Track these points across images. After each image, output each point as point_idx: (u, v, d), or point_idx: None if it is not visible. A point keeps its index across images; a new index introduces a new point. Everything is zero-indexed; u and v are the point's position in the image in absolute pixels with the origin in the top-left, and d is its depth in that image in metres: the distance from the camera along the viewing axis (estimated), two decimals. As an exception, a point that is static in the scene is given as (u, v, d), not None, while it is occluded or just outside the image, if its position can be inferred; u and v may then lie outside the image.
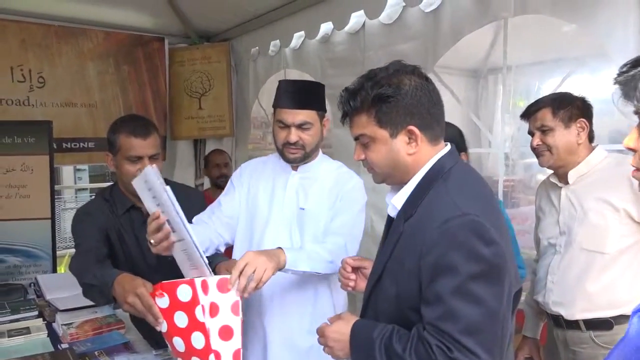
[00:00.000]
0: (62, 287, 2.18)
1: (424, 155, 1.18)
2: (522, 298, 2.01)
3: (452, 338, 1.03)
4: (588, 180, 1.80)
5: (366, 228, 2.94)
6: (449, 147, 1.22)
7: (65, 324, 1.83)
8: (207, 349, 1.30)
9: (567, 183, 1.84)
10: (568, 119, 1.79)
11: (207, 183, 4.27)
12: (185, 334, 1.32)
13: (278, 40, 3.61)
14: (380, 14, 2.70)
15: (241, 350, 1.34)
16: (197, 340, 1.31)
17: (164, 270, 1.48)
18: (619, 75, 0.83)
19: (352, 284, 1.45)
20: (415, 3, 2.53)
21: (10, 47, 3.42)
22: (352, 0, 2.81)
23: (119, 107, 3.92)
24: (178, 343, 1.34)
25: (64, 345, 1.73)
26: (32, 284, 2.43)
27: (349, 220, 1.78)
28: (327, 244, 1.69)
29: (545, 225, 1.94)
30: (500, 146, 2.65)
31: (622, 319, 1.73)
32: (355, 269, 1.45)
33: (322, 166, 1.87)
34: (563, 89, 2.05)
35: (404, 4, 2.67)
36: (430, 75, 1.28)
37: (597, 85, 2.79)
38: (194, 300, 1.30)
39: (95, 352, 1.66)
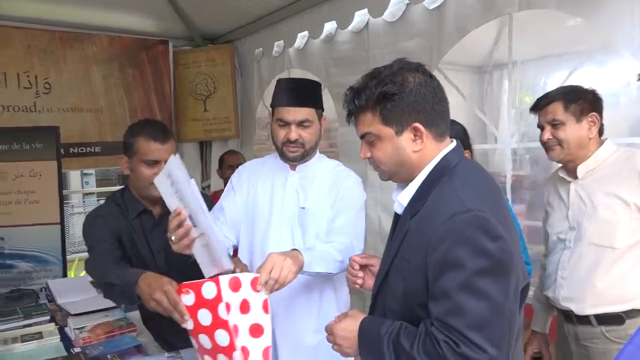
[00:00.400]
0: (73, 292, 2.20)
1: (429, 152, 1.18)
2: (530, 293, 2.01)
3: (460, 333, 1.03)
4: (597, 175, 1.79)
5: (373, 225, 2.97)
6: (454, 143, 1.22)
7: (77, 328, 1.85)
8: (232, 345, 1.30)
9: (576, 177, 1.83)
10: (580, 113, 1.77)
11: (214, 185, 4.30)
12: (210, 331, 1.32)
13: (282, 41, 3.62)
14: (384, 12, 2.70)
15: (270, 348, 1.35)
16: (221, 337, 1.30)
17: (174, 273, 1.48)
18: None
19: (360, 281, 1.45)
20: (419, 0, 2.52)
21: (16, 53, 3.46)
22: (355, -1, 2.82)
23: (124, 111, 3.95)
24: (204, 340, 1.34)
25: (77, 349, 1.74)
26: (43, 289, 2.45)
27: (352, 218, 1.79)
28: (334, 243, 1.69)
29: (554, 220, 1.93)
30: (507, 142, 2.64)
31: (633, 313, 1.72)
32: (363, 267, 1.45)
33: (320, 165, 1.87)
34: (569, 83, 2.04)
35: (407, 1, 2.67)
36: (435, 73, 1.28)
37: (604, 79, 2.78)
38: (218, 298, 1.29)
39: (108, 356, 1.67)
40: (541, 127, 1.86)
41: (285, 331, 1.80)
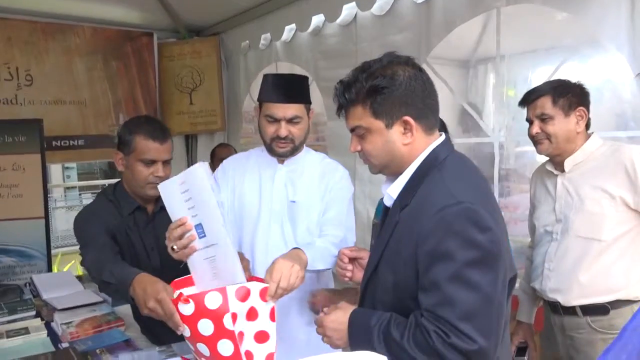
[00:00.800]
0: (58, 287, 2.17)
1: (419, 145, 1.19)
2: (517, 285, 2.03)
3: (450, 323, 1.04)
4: (584, 168, 1.81)
5: (362, 219, 2.97)
6: (443, 136, 1.23)
7: (64, 323, 1.82)
8: (236, 354, 1.27)
9: (563, 171, 1.85)
10: (568, 107, 1.79)
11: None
12: (211, 341, 1.28)
13: (269, 34, 3.58)
14: (372, 6, 2.69)
15: (274, 355, 1.34)
16: (225, 347, 1.27)
17: (168, 271, 1.46)
18: None
19: (349, 274, 1.46)
20: (407, -6, 2.52)
21: (-4, 44, 3.38)
22: (343, -8, 2.80)
23: (108, 103, 3.88)
24: (202, 348, 1.31)
25: (65, 345, 1.71)
26: (28, 284, 2.41)
27: (343, 211, 1.79)
28: (329, 237, 1.69)
29: (541, 213, 1.95)
30: (495, 135, 2.66)
31: (617, 303, 1.76)
32: (352, 260, 1.46)
33: (307, 158, 1.86)
34: (556, 77, 2.06)
35: (395, -6, 2.66)
36: (423, 66, 1.28)
37: (590, 73, 2.81)
38: (223, 308, 1.25)
39: (97, 350, 1.65)
40: (530, 121, 1.87)
41: (280, 329, 1.79)
